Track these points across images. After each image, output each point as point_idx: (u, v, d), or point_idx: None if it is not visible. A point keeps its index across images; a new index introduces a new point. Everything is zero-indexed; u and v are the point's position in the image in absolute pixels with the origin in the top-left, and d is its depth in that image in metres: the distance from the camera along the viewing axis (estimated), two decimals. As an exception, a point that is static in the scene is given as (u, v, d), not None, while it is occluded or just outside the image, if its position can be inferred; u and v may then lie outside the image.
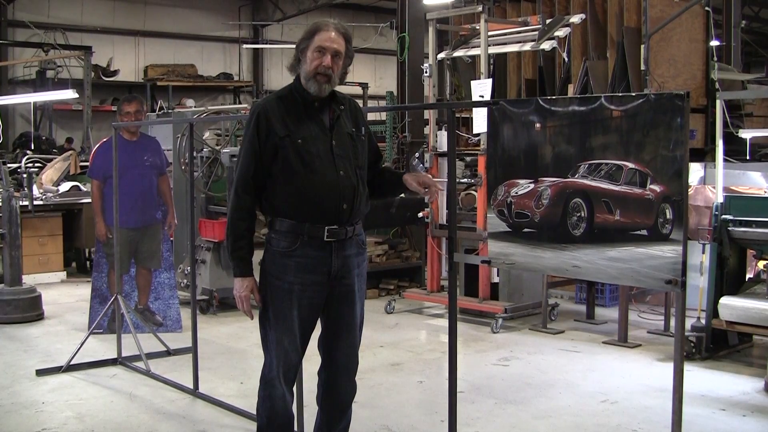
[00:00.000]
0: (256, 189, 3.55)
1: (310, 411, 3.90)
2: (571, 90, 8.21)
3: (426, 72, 8.02)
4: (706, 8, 8.43)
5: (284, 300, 3.53)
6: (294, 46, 3.61)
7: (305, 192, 3.48)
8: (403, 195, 8.70)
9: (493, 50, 7.78)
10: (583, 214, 3.39)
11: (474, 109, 7.52)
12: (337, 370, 3.71)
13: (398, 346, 6.82)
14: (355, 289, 3.68)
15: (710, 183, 7.37)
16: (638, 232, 3.22)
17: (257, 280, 3.62)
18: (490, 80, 7.33)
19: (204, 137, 8.30)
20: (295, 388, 4.19)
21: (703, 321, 6.30)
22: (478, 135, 7.46)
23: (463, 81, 8.68)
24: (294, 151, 3.47)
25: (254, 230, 3.60)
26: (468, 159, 7.99)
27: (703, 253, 6.34)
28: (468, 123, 8.45)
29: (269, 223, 3.60)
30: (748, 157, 8.15)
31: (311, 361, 3.80)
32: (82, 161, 10.95)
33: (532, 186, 3.58)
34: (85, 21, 17.82)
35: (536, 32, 7.61)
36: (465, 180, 7.67)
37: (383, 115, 11.00)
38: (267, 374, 3.62)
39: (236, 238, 3.54)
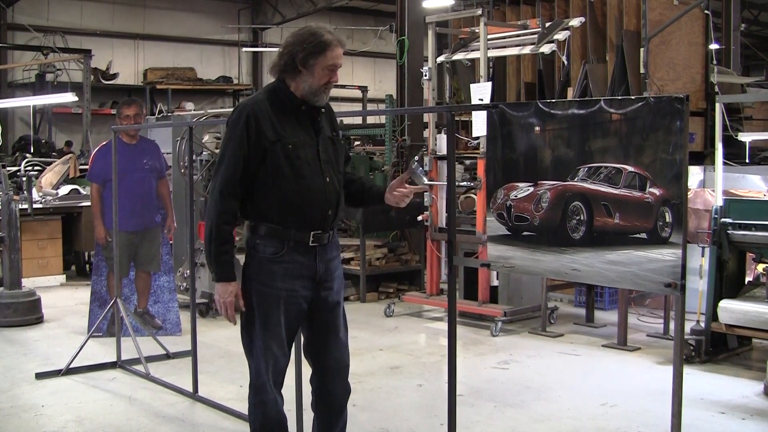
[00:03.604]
0: (241, 192, 3.48)
1: (309, 413, 3.90)
2: (570, 93, 8.21)
3: (425, 75, 8.03)
4: (706, 12, 8.44)
5: (272, 306, 3.49)
6: (280, 47, 3.57)
7: (294, 198, 3.45)
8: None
9: (492, 53, 7.78)
10: (582, 218, 3.40)
11: (473, 113, 7.52)
12: (329, 373, 3.68)
13: (397, 350, 6.81)
14: (336, 291, 3.67)
15: (710, 186, 7.37)
16: (637, 236, 3.22)
17: (239, 284, 3.56)
18: (490, 83, 7.34)
19: (203, 140, 8.30)
20: (294, 391, 4.20)
21: (702, 324, 6.30)
22: (477, 138, 7.46)
23: (463, 84, 8.69)
24: (284, 155, 3.42)
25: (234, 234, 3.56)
26: (467, 162, 8.00)
27: (703, 256, 6.34)
28: (467, 126, 8.45)
29: (252, 228, 3.53)
30: (747, 161, 8.16)
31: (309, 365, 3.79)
32: (81, 164, 10.96)
33: (531, 189, 3.58)
34: (85, 24, 17.85)
35: (535, 35, 7.62)
36: (464, 183, 7.67)
37: (383, 119, 11.01)
38: (256, 380, 3.59)
39: (221, 242, 3.44)
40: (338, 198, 3.58)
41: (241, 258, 3.61)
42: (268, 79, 19.31)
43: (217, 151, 8.16)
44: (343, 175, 3.67)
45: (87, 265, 10.49)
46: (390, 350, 6.78)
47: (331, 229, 3.59)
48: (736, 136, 7.66)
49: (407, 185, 3.71)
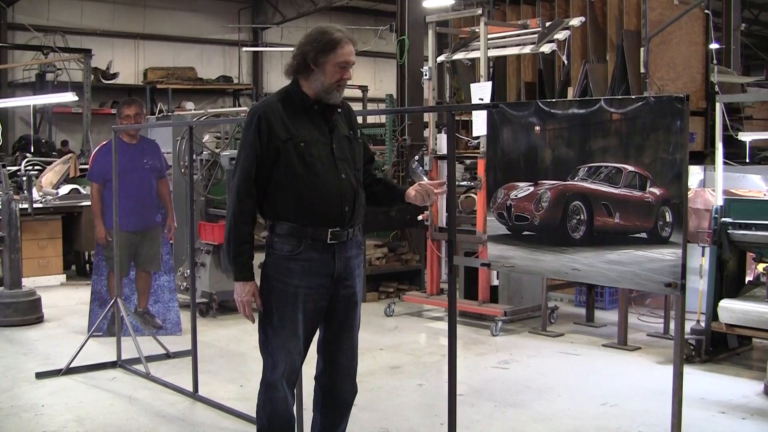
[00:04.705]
0: (257, 192, 3.54)
1: (309, 412, 3.90)
2: (570, 93, 8.21)
3: (426, 75, 8.03)
4: (706, 11, 8.43)
5: (290, 304, 3.52)
6: (294, 48, 3.60)
7: (308, 195, 3.48)
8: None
9: (492, 53, 7.78)
10: (582, 217, 3.40)
11: (474, 112, 7.52)
12: (339, 372, 3.71)
13: (398, 349, 6.81)
14: (356, 291, 3.69)
15: (710, 186, 7.37)
16: (638, 235, 3.22)
17: (257, 284, 3.61)
18: (490, 83, 7.34)
19: (203, 140, 8.30)
20: (295, 390, 4.19)
21: (702, 324, 6.30)
22: (477, 138, 7.47)
23: (463, 84, 8.69)
24: (297, 154, 3.47)
25: (254, 234, 3.60)
26: (468, 162, 7.99)
27: (703, 256, 6.34)
28: (468, 126, 8.45)
29: (270, 227, 3.58)
30: (747, 160, 8.16)
31: (310, 364, 3.79)
32: (81, 164, 10.96)
33: (531, 189, 3.58)
34: (85, 24, 17.85)
35: (536, 35, 7.62)
36: (465, 183, 7.67)
37: (383, 118, 11.01)
38: (269, 377, 3.61)
39: (239, 242, 3.51)
40: (355, 195, 3.59)
41: (260, 257, 3.62)
42: (268, 78, 19.40)
43: (216, 150, 8.18)
44: (362, 173, 3.69)
45: (87, 265, 10.49)
46: (390, 350, 6.78)
47: (351, 227, 3.60)
48: (737, 135, 7.66)
49: (427, 189, 3.67)
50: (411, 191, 3.69)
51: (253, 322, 3.63)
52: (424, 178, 7.62)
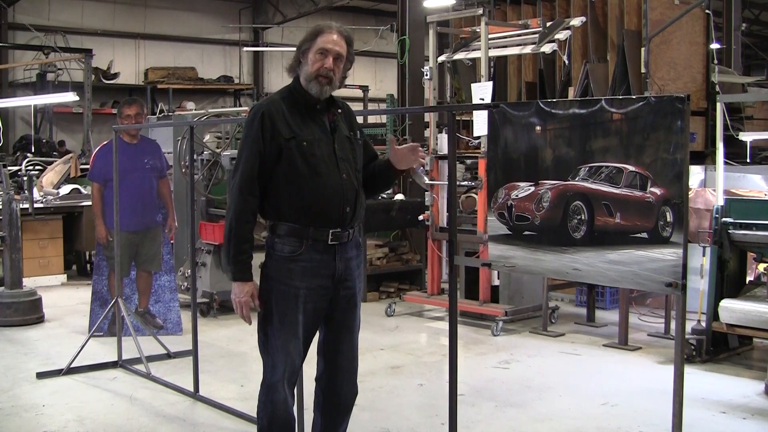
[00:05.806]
0: (259, 191, 3.51)
1: (310, 413, 3.90)
2: (571, 93, 8.21)
3: (426, 75, 8.03)
4: (707, 11, 8.44)
5: (290, 305, 3.50)
6: (294, 48, 3.61)
7: (310, 196, 3.46)
8: (403, 198, 8.70)
9: (493, 53, 7.78)
10: (583, 217, 3.39)
11: (474, 112, 7.52)
12: (340, 373, 3.69)
13: (398, 349, 6.81)
14: (356, 292, 3.68)
15: (710, 186, 7.37)
16: (638, 235, 3.22)
17: (257, 284, 3.59)
18: (491, 83, 7.34)
19: (204, 140, 8.30)
20: (295, 391, 4.19)
21: (703, 324, 6.30)
22: (478, 138, 7.46)
23: (464, 84, 8.69)
24: (299, 153, 3.45)
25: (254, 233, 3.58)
26: (468, 162, 7.99)
27: (704, 255, 6.34)
28: (468, 126, 8.45)
29: (270, 228, 3.56)
30: (748, 160, 8.16)
31: (311, 364, 3.79)
32: (82, 164, 10.96)
33: (532, 189, 3.58)
34: (86, 24, 17.84)
35: (536, 35, 7.62)
36: (465, 183, 7.67)
37: (383, 118, 11.03)
38: (269, 378, 3.59)
39: (240, 241, 3.46)
40: (356, 195, 3.57)
41: (259, 257, 3.59)
42: (269, 78, 19.39)
43: (217, 150, 8.17)
44: (361, 173, 3.66)
45: (88, 265, 10.50)
46: (391, 350, 6.78)
47: (351, 228, 3.59)
48: (737, 135, 7.67)
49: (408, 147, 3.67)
50: (392, 155, 3.66)
51: (250, 323, 3.59)
52: (425, 179, 7.62)
